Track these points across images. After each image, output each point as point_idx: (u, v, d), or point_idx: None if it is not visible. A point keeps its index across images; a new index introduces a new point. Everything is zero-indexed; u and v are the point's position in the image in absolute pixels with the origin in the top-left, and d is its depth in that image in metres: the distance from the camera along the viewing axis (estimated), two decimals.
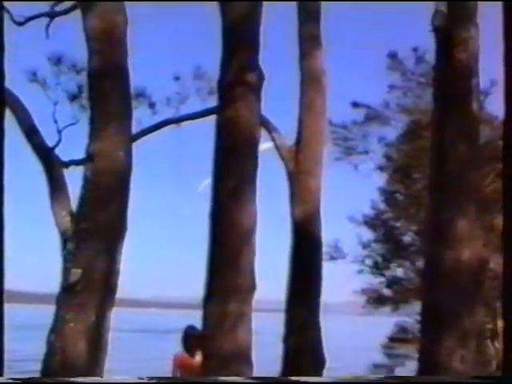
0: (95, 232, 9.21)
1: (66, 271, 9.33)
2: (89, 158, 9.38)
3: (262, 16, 9.82)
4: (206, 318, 10.04)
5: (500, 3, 7.60)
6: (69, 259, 9.31)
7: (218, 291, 9.92)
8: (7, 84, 10.23)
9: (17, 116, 9.75)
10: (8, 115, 10.20)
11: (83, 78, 12.73)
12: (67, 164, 10.74)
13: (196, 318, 10.12)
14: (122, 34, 9.52)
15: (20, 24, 11.72)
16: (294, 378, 7.19)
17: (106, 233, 9.29)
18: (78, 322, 9.29)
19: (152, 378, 6.77)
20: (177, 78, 13.65)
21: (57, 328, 9.44)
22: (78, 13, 10.69)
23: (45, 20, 11.84)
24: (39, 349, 9.61)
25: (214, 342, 9.36)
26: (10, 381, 7.05)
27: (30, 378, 7.26)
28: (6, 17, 11.60)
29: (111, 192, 9.31)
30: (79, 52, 12.59)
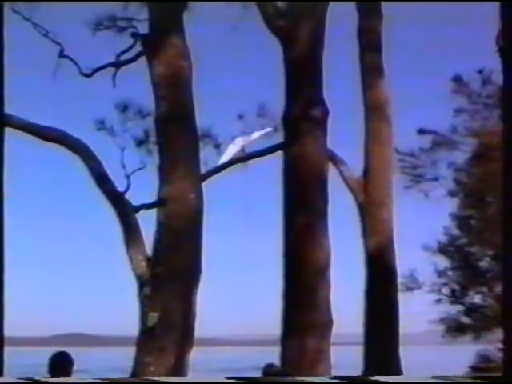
0: (171, 275, 9.27)
1: (143, 315, 9.40)
2: (161, 202, 9.51)
3: (323, 51, 9.86)
4: (284, 355, 9.96)
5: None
6: (146, 303, 9.38)
7: (296, 327, 9.86)
8: (77, 134, 10.53)
9: (88, 164, 9.96)
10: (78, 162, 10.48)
11: (149, 123, 12.98)
12: (138, 208, 10.88)
13: (273, 355, 10.05)
14: (187, 79, 9.68)
15: (88, 76, 12.04)
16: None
17: (182, 276, 9.34)
18: (158, 366, 9.32)
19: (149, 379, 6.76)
20: (241, 117, 13.77)
21: (137, 371, 9.49)
22: (142, 61, 10.96)
23: (111, 70, 12.14)
24: None
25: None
26: (10, 381, 7.07)
27: (30, 378, 7.25)
28: (75, 70, 12.02)
29: (185, 235, 9.38)
30: (144, 98, 12.90)
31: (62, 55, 11.81)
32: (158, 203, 9.65)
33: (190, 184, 9.46)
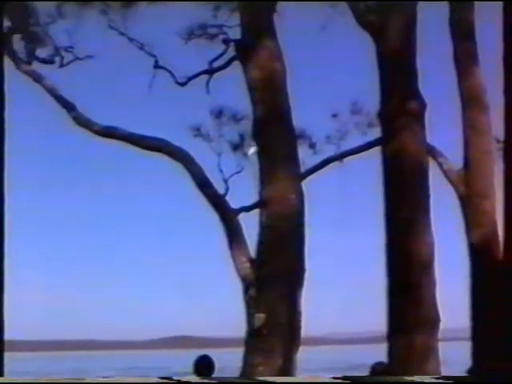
0: (275, 276, 9.35)
1: (250, 316, 9.52)
2: (262, 204, 9.61)
3: (416, 42, 9.71)
4: (391, 353, 9.85)
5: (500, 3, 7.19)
6: (251, 304, 9.49)
7: (403, 325, 9.73)
8: (175, 142, 10.76)
9: (189, 170, 10.21)
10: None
11: (243, 127, 13.17)
12: (238, 211, 11.02)
13: (378, 353, 9.95)
14: (282, 80, 9.76)
15: (182, 84, 12.32)
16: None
17: (286, 276, 9.40)
18: (267, 366, 9.40)
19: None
20: (335, 115, 13.72)
21: (246, 372, 9.60)
22: (234, 66, 11.11)
23: (204, 77, 12.37)
24: None
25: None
26: (10, 381, 7.17)
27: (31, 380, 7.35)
28: (170, 80, 12.31)
29: (287, 235, 9.45)
30: (238, 103, 13.05)
31: (157, 66, 12.12)
32: (260, 205, 9.76)
33: (291, 184, 9.53)
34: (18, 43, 11.80)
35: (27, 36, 11.83)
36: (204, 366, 7.73)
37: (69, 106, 11.05)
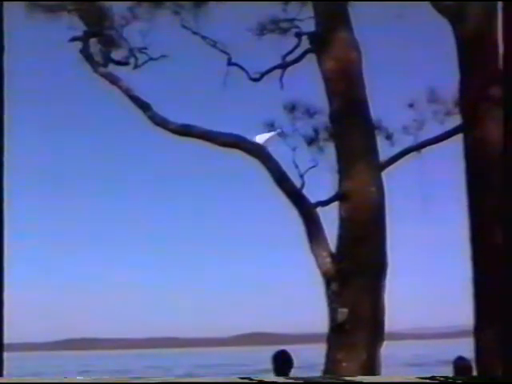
0: (357, 270, 9.24)
1: (332, 311, 9.42)
2: (341, 197, 9.51)
3: (497, 25, 9.37)
4: (478, 347, 9.58)
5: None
6: (334, 299, 9.39)
7: (489, 318, 9.45)
8: (251, 137, 10.76)
9: (266, 166, 10.18)
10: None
11: (318, 121, 13.06)
12: (315, 206, 10.93)
13: (462, 348, 9.71)
14: (357, 71, 9.63)
15: (256, 80, 12.30)
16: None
17: (368, 270, 9.28)
18: (350, 362, 9.29)
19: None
20: (411, 105, 13.46)
21: (330, 368, 9.51)
22: (307, 59, 11.02)
23: (278, 72, 12.32)
24: None
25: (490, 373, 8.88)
26: (10, 381, 7.08)
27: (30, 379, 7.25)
28: (243, 75, 12.30)
29: (368, 228, 9.33)
30: (311, 97, 12.95)
31: (230, 63, 12.14)
32: (337, 198, 9.66)
33: (370, 177, 9.40)
34: (93, 47, 12.00)
35: (103, 39, 12.02)
36: (282, 361, 7.70)
37: (144, 106, 11.18)
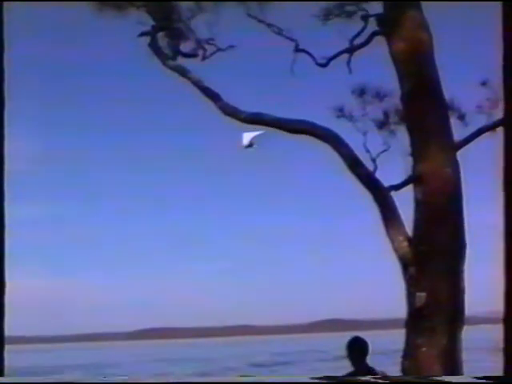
0: (435, 253, 9.10)
1: (410, 296, 9.31)
2: (417, 180, 9.37)
3: None
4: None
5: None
6: (412, 283, 9.29)
7: None
8: (321, 122, 10.72)
9: (338, 151, 10.13)
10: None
11: (388, 104, 12.88)
12: (389, 189, 10.82)
13: None
14: (428, 51, 9.45)
15: (323, 66, 12.22)
16: None
17: (446, 253, 9.13)
18: (430, 347, 9.17)
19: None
20: (484, 83, 13.12)
21: (409, 354, 9.41)
22: (375, 42, 10.87)
23: (345, 57, 12.19)
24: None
25: None
26: (10, 381, 7.01)
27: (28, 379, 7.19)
28: (309, 61, 12.25)
29: (445, 210, 9.18)
30: (380, 80, 12.78)
31: (297, 50, 12.09)
32: (411, 181, 9.54)
33: (445, 158, 9.23)
34: (162, 40, 12.16)
35: (170, 33, 12.17)
36: (356, 348, 7.66)
37: (215, 97, 11.26)
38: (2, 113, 6.65)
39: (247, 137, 11.77)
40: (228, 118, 11.12)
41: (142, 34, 12.00)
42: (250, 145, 12.21)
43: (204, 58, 12.27)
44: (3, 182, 6.64)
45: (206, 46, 12.30)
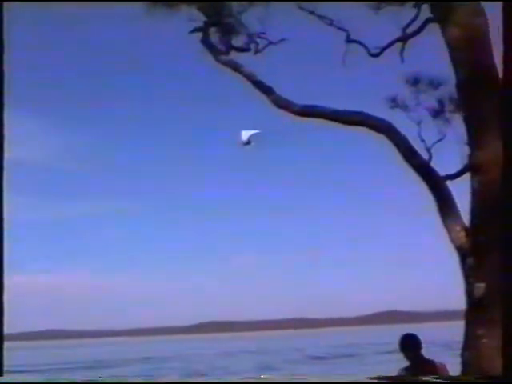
0: (493, 244, 8.94)
1: (469, 287, 9.19)
2: (473, 169, 9.23)
3: None
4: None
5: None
6: (470, 274, 9.16)
7: None
8: (375, 113, 10.64)
9: (394, 141, 10.05)
10: None
11: (442, 92, 12.68)
12: (445, 179, 10.69)
13: None
14: (485, 37, 9.27)
15: (376, 55, 12.11)
16: None
17: (505, 243, 8.95)
18: (490, 338, 9.03)
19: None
20: None
21: (469, 345, 9.29)
22: (429, 29, 10.71)
23: (398, 46, 12.05)
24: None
25: None
26: (10, 381, 6.95)
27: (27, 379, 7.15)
28: (362, 51, 12.14)
29: (503, 200, 8.99)
30: (435, 68, 12.59)
31: (348, 40, 12.01)
32: (471, 170, 9.39)
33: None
34: (214, 36, 12.22)
35: (222, 28, 12.22)
36: (408, 345, 7.63)
37: (267, 90, 11.28)
38: (2, 113, 6.62)
39: (245, 135, 11.89)
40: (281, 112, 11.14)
41: (194, 31, 12.09)
42: (248, 142, 12.42)
43: (256, 51, 12.30)
44: (2, 183, 6.66)
45: (258, 40, 12.33)
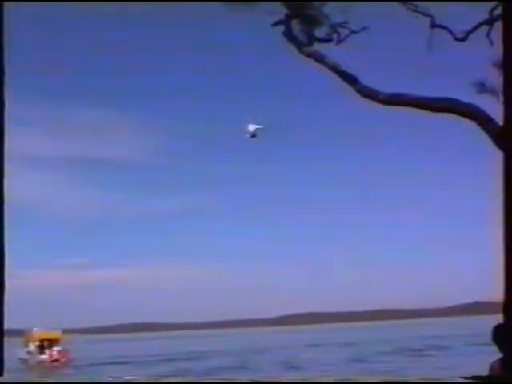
0: None
1: None
2: None
3: None
4: None
5: None
6: None
7: None
8: (462, 98, 10.43)
9: (484, 127, 9.84)
10: None
11: None
12: None
13: None
14: None
15: (462, 40, 11.86)
16: None
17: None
18: None
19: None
20: None
21: None
22: None
23: (485, 29, 11.77)
24: None
25: None
26: (10, 381, 6.83)
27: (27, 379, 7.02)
28: (447, 36, 11.93)
29: None
30: None
31: (433, 25, 11.83)
32: None
33: None
34: (296, 28, 12.24)
35: (305, 20, 12.23)
36: (501, 334, 7.44)
37: (352, 80, 11.23)
38: (2, 114, 6.56)
39: (251, 128, 12.00)
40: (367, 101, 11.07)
41: (277, 24, 12.15)
42: (254, 135, 12.54)
43: (339, 41, 12.27)
44: (3, 181, 6.67)
45: (340, 30, 12.29)
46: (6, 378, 7.43)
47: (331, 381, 6.77)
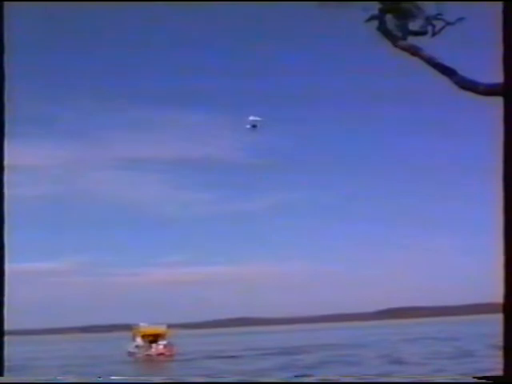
0: None
1: None
2: None
3: None
4: None
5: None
6: None
7: None
8: None
9: None
10: None
11: None
12: None
13: None
14: None
15: None
16: None
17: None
18: None
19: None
20: None
21: None
22: None
23: None
24: None
25: None
26: (10, 381, 6.72)
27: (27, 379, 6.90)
28: None
29: None
30: None
31: None
32: None
33: None
34: (390, 22, 12.19)
35: (398, 13, 12.17)
36: None
37: (449, 72, 11.11)
38: (3, 114, 6.65)
39: (252, 120, 12.16)
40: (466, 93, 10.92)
41: (371, 19, 12.14)
42: (254, 126, 12.66)
43: (434, 34, 12.14)
44: (3, 184, 6.69)
45: (435, 22, 12.15)
46: (6, 378, 7.41)
47: (333, 381, 6.78)
